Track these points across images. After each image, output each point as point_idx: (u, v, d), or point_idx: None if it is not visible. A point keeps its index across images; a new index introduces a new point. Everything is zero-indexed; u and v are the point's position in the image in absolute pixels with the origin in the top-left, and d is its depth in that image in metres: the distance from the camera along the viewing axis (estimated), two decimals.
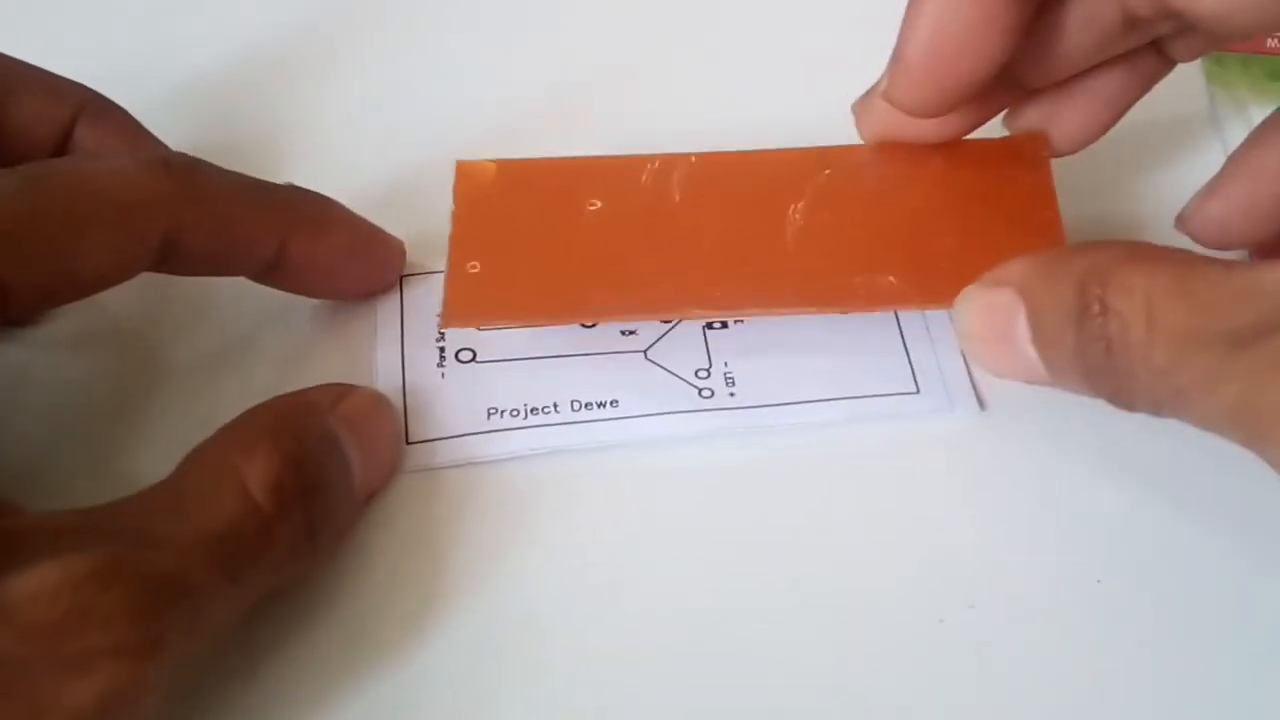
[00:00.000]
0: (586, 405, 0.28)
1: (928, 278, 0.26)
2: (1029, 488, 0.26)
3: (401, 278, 0.30)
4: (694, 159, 0.29)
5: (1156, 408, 0.22)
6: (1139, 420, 0.27)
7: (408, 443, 0.27)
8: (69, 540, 0.20)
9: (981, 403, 0.28)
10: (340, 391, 0.26)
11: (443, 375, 0.28)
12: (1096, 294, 0.22)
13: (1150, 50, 0.27)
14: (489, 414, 0.28)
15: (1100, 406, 0.27)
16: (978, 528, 0.26)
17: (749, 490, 0.27)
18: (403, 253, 0.30)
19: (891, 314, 0.29)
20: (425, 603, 0.25)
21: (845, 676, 0.24)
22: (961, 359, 0.28)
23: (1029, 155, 0.28)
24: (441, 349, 0.29)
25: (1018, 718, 0.24)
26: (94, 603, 0.20)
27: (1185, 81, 0.29)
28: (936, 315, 0.29)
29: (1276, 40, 0.33)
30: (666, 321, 0.28)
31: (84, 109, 0.29)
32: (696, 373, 0.28)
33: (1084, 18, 0.26)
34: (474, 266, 0.27)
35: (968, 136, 0.28)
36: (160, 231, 0.24)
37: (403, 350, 0.29)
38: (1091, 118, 0.28)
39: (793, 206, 0.28)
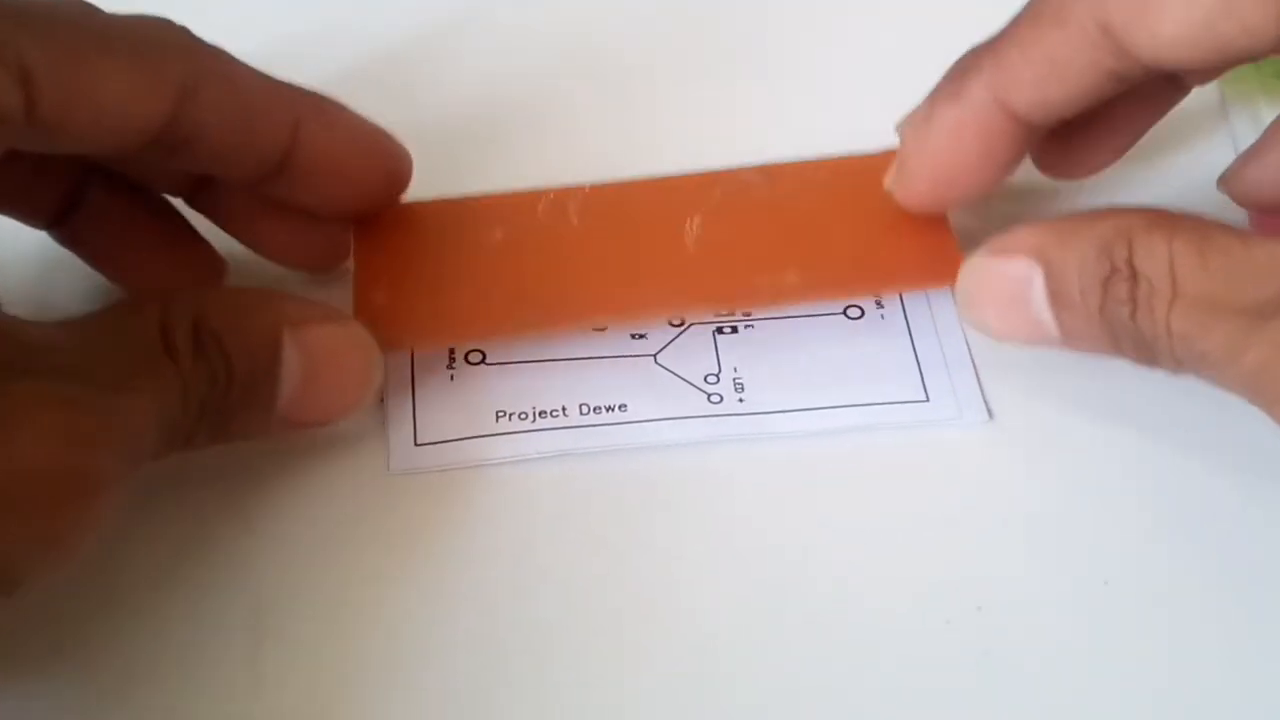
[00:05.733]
0: (595, 409, 0.28)
1: (828, 272, 0.28)
2: (1035, 493, 0.26)
3: None
4: (588, 189, 0.29)
5: (1178, 366, 0.23)
6: (1144, 426, 0.27)
7: (416, 445, 0.27)
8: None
9: (990, 412, 0.28)
10: (315, 314, 0.25)
11: (451, 377, 0.28)
12: (1123, 256, 0.23)
13: (1158, 79, 0.27)
14: (497, 416, 0.28)
15: (1106, 415, 0.27)
16: (985, 532, 0.26)
17: (756, 495, 0.27)
18: (410, 161, 0.28)
19: (902, 323, 0.29)
20: (431, 604, 0.25)
21: (852, 677, 0.24)
22: (972, 369, 0.28)
23: None
24: (451, 350, 0.29)
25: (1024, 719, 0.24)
26: None
27: None
28: (947, 324, 0.29)
29: None
30: (584, 330, 0.29)
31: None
32: (705, 378, 0.28)
33: (1074, 86, 0.25)
34: (380, 298, 0.28)
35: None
36: (178, 77, 0.24)
37: (412, 351, 0.28)
38: (1108, 145, 0.29)
39: (689, 221, 0.28)
